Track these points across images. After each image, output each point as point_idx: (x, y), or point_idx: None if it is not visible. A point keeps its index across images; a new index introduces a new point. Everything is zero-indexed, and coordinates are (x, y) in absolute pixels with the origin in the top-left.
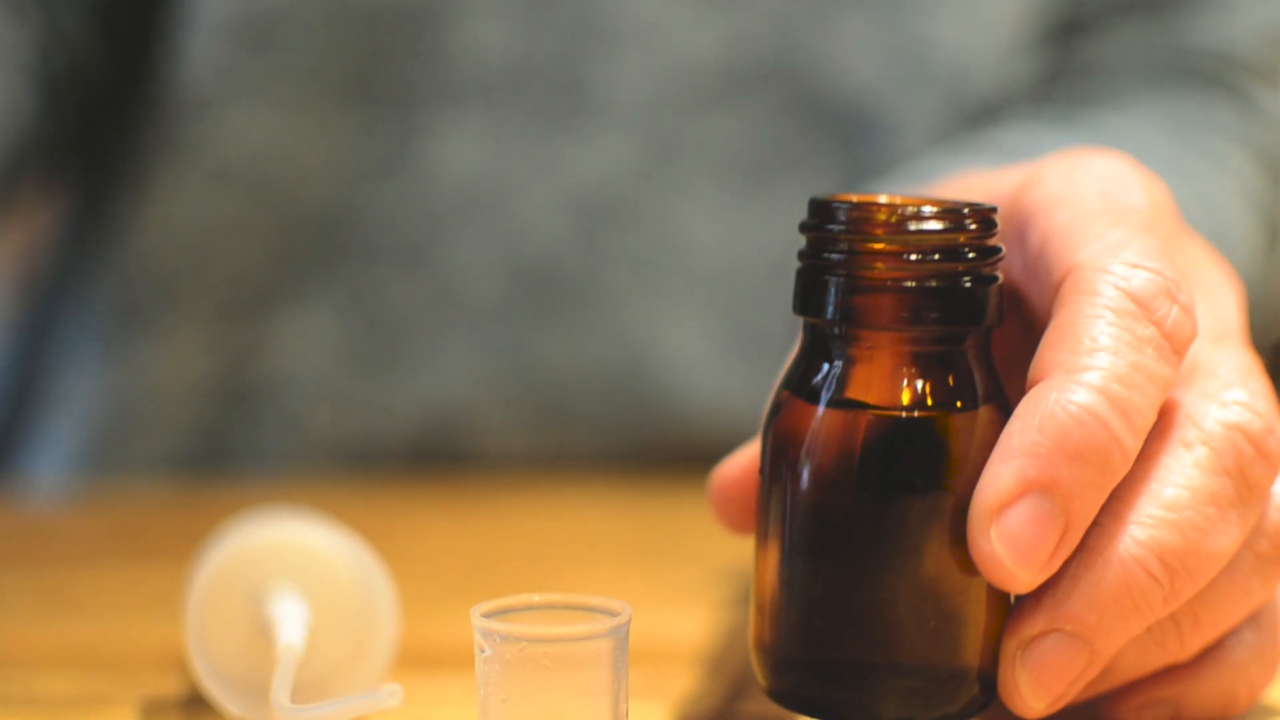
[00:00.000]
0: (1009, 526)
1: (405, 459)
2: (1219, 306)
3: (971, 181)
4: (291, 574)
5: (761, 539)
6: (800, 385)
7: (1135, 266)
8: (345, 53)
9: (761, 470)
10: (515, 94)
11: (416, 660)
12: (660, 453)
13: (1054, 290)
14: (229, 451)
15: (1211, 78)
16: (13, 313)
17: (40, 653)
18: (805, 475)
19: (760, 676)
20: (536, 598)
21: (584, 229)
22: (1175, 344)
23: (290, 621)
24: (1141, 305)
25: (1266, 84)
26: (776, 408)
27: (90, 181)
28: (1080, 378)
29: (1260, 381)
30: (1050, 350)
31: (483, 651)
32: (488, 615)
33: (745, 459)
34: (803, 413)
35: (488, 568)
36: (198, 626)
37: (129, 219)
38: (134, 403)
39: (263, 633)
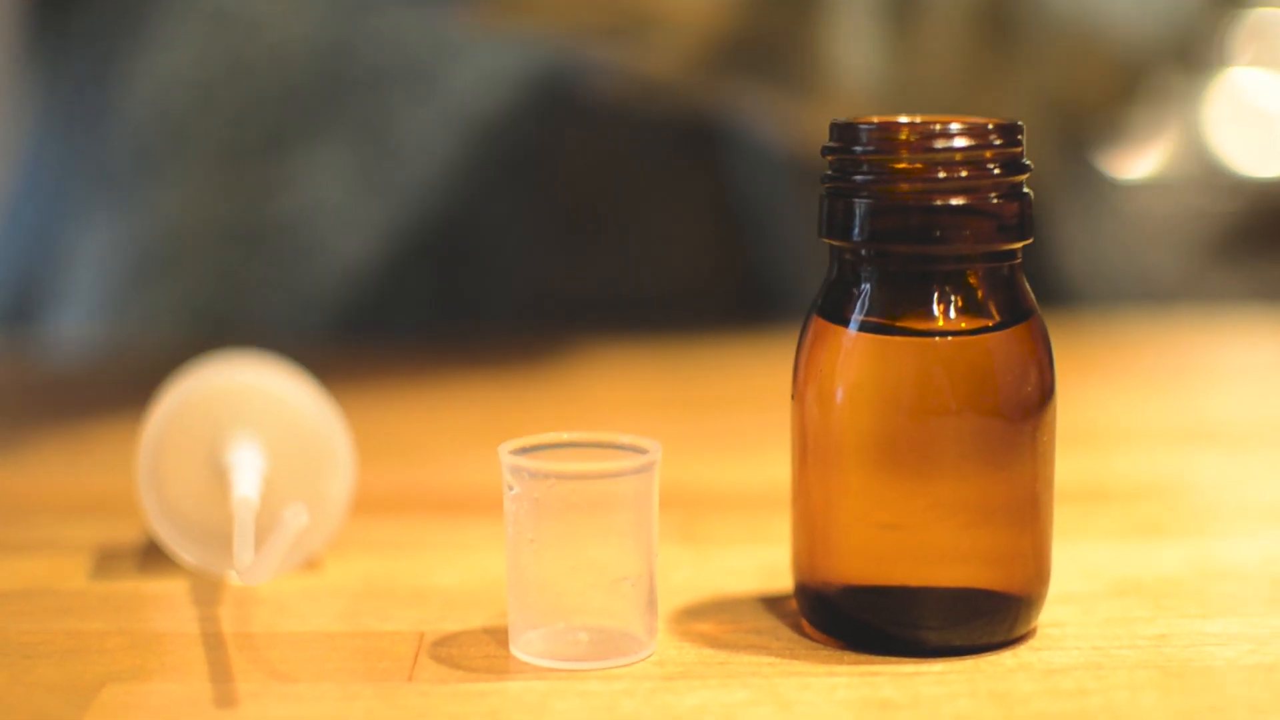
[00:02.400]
0: None
1: (429, 283)
2: None
3: None
4: (249, 419)
5: (797, 464)
6: (830, 309)
7: None
8: None
9: (794, 395)
10: None
11: (441, 504)
12: None
13: None
14: (250, 290)
15: None
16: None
17: (63, 500)
18: (838, 399)
19: (800, 601)
20: (565, 435)
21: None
22: None
23: (246, 471)
24: None
25: None
26: (807, 331)
27: (94, 35)
28: None
29: None
30: None
31: (511, 490)
32: (515, 452)
33: None
34: (833, 336)
35: (513, 412)
36: (151, 469)
37: (134, 67)
38: (153, 248)
39: (219, 478)
